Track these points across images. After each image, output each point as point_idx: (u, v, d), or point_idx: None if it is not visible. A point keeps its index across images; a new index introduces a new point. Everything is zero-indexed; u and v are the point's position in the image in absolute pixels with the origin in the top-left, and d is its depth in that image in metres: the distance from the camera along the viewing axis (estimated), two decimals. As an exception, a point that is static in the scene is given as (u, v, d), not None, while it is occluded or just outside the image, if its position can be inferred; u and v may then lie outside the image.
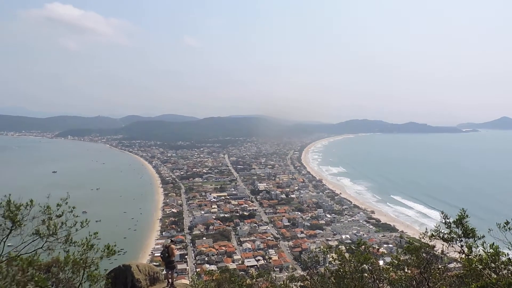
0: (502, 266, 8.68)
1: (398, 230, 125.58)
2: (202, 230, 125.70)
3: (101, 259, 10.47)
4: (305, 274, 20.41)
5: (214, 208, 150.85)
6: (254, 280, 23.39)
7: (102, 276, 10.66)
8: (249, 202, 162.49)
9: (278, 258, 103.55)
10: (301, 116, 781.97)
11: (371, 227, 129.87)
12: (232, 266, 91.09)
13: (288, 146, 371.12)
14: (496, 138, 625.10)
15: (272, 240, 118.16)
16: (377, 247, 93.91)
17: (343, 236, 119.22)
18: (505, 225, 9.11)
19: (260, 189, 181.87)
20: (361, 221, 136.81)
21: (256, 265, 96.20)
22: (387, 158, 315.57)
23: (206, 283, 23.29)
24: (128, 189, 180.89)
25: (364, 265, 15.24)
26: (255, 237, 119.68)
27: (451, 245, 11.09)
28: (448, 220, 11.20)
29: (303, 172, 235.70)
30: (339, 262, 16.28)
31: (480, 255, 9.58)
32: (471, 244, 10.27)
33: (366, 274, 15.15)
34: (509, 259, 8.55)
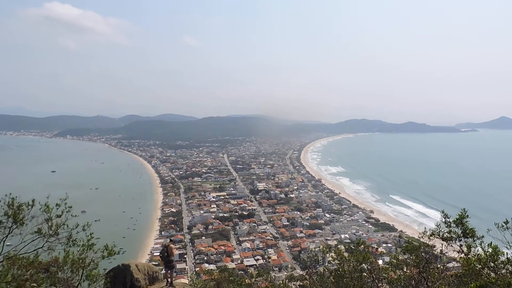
0: (501, 265, 8.70)
1: (397, 229, 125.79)
2: (201, 229, 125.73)
3: (103, 258, 10.47)
4: (304, 274, 20.42)
5: (213, 207, 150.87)
6: (253, 279, 23.40)
7: (101, 275, 10.65)
8: (248, 201, 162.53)
9: (277, 257, 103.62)
10: (301, 116, 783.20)
11: (370, 226, 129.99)
12: (231, 265, 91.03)
13: (287, 146, 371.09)
14: (495, 138, 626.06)
15: (271, 239, 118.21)
16: (376, 246, 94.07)
17: (342, 236, 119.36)
18: (503, 224, 9.12)
19: (259, 188, 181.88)
20: (360, 220, 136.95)
21: (255, 265, 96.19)
22: (386, 158, 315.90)
23: (205, 283, 23.29)
24: (127, 188, 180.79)
25: (363, 265, 15.25)
26: (254, 236, 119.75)
27: (450, 244, 11.10)
28: (448, 220, 11.21)
29: (302, 171, 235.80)
30: (338, 262, 16.29)
31: (479, 254, 9.60)
32: (470, 244, 10.28)
33: (365, 274, 15.17)
34: (508, 258, 8.57)
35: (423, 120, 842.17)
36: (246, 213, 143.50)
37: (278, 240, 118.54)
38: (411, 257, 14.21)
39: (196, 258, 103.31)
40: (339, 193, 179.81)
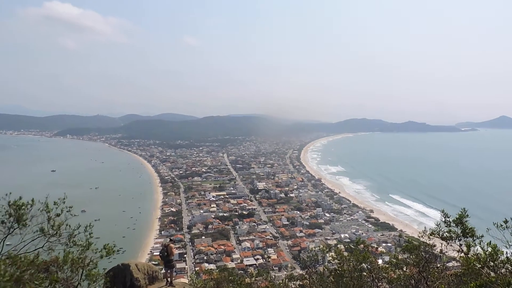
0: (501, 265, 8.70)
1: (397, 229, 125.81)
2: (201, 229, 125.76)
3: (101, 258, 10.47)
4: (304, 273, 20.43)
5: (213, 207, 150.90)
6: (253, 279, 23.41)
7: (101, 275, 10.66)
8: (248, 201, 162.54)
9: (277, 257, 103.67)
10: (301, 115, 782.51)
11: (370, 226, 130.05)
12: (231, 265, 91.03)
13: (287, 145, 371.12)
14: (495, 137, 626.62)
15: (271, 239, 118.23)
16: (376, 246, 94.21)
17: (342, 235, 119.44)
18: (503, 224, 9.12)
19: (259, 188, 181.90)
20: (360, 220, 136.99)
21: (255, 264, 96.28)
22: (386, 157, 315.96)
23: (205, 282, 23.31)
24: (127, 188, 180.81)
25: (363, 264, 15.27)
26: (254, 236, 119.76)
27: (450, 244, 11.10)
28: (448, 219, 11.21)
29: (302, 171, 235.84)
30: (338, 261, 16.31)
31: (478, 254, 9.60)
32: (469, 243, 10.28)
33: (365, 273, 15.18)
34: (507, 257, 8.57)
35: (423, 120, 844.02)
36: (246, 213, 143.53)
37: (278, 240, 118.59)
38: (411, 257, 14.22)
39: (196, 257, 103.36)
40: (339, 192, 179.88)
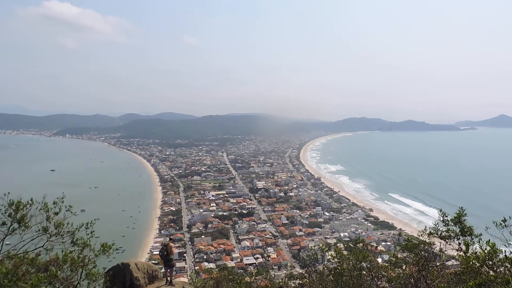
0: (500, 263, 8.72)
1: (397, 228, 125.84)
2: (200, 228, 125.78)
3: (96, 256, 10.47)
4: (303, 272, 20.45)
5: (212, 206, 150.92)
6: (253, 278, 23.43)
7: (101, 274, 10.67)
8: (248, 200, 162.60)
9: (277, 256, 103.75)
10: (300, 114, 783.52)
11: (370, 225, 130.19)
12: (230, 264, 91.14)
13: (286, 144, 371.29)
14: (494, 136, 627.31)
15: (271, 238, 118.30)
16: (375, 244, 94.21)
17: (342, 234, 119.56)
18: (502, 222, 9.15)
19: (258, 187, 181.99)
20: (359, 219, 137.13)
21: (255, 263, 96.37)
22: (385, 156, 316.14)
23: (205, 281, 23.34)
24: (127, 187, 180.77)
25: (363, 263, 15.29)
26: (254, 235, 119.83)
27: (449, 243, 11.13)
28: (446, 218, 11.23)
29: (301, 170, 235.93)
30: (338, 260, 16.32)
31: (477, 252, 9.62)
32: (468, 242, 10.31)
33: (364, 272, 15.20)
34: (506, 256, 8.59)
35: (423, 119, 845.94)
36: (246, 212, 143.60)
37: (278, 239, 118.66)
38: (410, 255, 14.24)
39: (195, 256, 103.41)
40: (339, 191, 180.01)
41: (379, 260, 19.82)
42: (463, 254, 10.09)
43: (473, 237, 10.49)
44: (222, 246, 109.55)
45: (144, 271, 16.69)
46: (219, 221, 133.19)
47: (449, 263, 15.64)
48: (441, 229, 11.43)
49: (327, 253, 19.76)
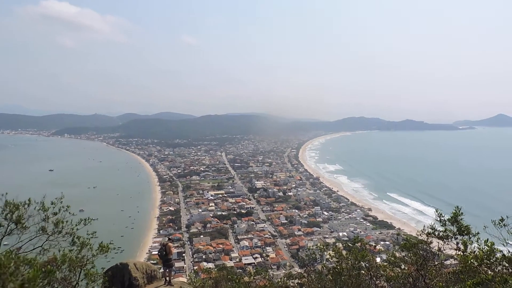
0: (496, 262, 8.75)
1: (395, 227, 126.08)
2: (199, 228, 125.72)
3: (93, 256, 10.46)
4: (302, 272, 20.47)
5: (211, 206, 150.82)
6: (252, 277, 23.43)
7: (99, 274, 10.66)
8: (247, 200, 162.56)
9: (276, 255, 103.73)
10: (299, 114, 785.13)
11: (368, 224, 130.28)
12: (229, 264, 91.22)
13: (285, 144, 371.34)
14: (493, 135, 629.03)
15: (270, 237, 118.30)
16: (374, 244, 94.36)
17: (340, 234, 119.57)
18: (500, 222, 9.17)
19: (257, 187, 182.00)
20: (358, 218, 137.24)
21: (254, 263, 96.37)
22: (384, 156, 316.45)
23: (204, 281, 23.33)
24: (125, 187, 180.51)
25: (361, 263, 15.30)
26: (253, 235, 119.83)
27: (447, 242, 11.15)
28: (443, 218, 11.25)
29: (300, 169, 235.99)
30: (336, 260, 16.33)
31: (475, 251, 9.65)
32: (466, 241, 10.33)
33: (363, 271, 15.22)
34: (503, 255, 8.62)
35: (421, 118, 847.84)
36: (244, 212, 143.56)
37: (277, 238, 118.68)
38: (409, 255, 14.25)
39: (194, 256, 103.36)
40: (337, 191, 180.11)
41: (378, 259, 19.87)
42: (462, 254, 10.12)
43: (470, 236, 10.51)
44: (221, 246, 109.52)
45: (143, 271, 16.68)
46: (218, 221, 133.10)
47: (448, 262, 15.67)
48: (439, 229, 11.45)
49: (325, 253, 19.78)
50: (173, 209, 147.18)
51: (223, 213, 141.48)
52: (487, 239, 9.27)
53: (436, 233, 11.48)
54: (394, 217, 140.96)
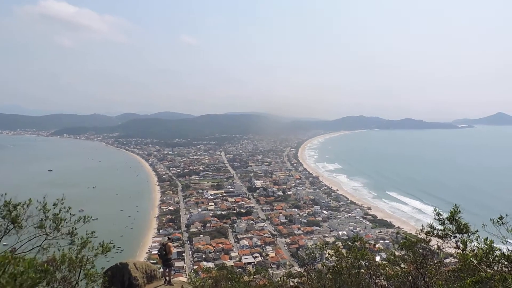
0: (496, 260, 8.77)
1: (395, 226, 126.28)
2: (199, 227, 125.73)
3: (95, 256, 10.45)
4: (302, 271, 20.49)
5: (211, 205, 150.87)
6: (252, 277, 23.46)
7: (99, 274, 10.65)
8: (246, 199, 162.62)
9: (275, 255, 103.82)
10: (298, 113, 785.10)
11: (368, 223, 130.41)
12: (229, 263, 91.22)
13: (284, 143, 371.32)
14: (492, 134, 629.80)
15: (269, 237, 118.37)
16: (373, 243, 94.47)
17: (340, 233, 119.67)
18: (498, 220, 9.18)
19: (257, 186, 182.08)
20: (357, 217, 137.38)
21: (253, 262, 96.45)
22: (383, 155, 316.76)
23: (204, 280, 23.34)
24: (125, 187, 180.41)
25: (361, 261, 15.32)
26: (252, 234, 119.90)
27: (446, 241, 11.16)
28: (441, 217, 11.26)
29: (299, 169, 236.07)
30: (336, 259, 16.35)
31: (475, 250, 9.66)
32: (465, 240, 10.35)
33: (362, 270, 15.24)
34: (503, 253, 8.64)
35: (420, 117, 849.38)
36: (244, 211, 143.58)
37: (276, 238, 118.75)
38: (408, 253, 14.27)
39: (194, 256, 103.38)
40: (337, 190, 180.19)
41: (377, 258, 19.88)
42: (461, 252, 10.13)
43: (469, 234, 10.53)
44: (220, 245, 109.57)
45: (142, 270, 16.68)
46: (218, 220, 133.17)
47: (447, 260, 15.69)
48: (438, 227, 11.46)
49: (325, 252, 19.80)
50: (172, 208, 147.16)
51: (223, 213, 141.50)
52: (487, 238, 9.29)
53: (435, 232, 11.48)
54: (393, 216, 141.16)
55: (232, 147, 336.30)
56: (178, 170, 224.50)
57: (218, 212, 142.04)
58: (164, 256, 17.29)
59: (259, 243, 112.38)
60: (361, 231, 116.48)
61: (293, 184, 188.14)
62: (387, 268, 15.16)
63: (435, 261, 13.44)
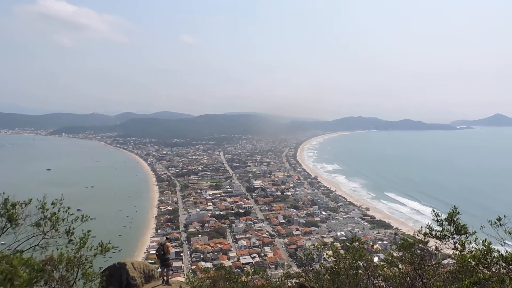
0: (494, 262, 8.78)
1: (393, 227, 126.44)
2: (197, 227, 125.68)
3: (94, 256, 10.43)
4: (300, 271, 20.49)
5: (209, 205, 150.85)
6: (250, 277, 23.44)
7: (97, 274, 10.63)
8: (245, 199, 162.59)
9: (274, 255, 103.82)
10: (297, 113, 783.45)
11: (366, 224, 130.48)
12: (227, 263, 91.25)
13: (283, 144, 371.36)
14: (490, 135, 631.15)
15: (268, 237, 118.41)
16: (371, 243, 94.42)
17: (338, 233, 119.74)
18: (497, 221, 9.19)
19: (255, 186, 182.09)
20: (356, 218, 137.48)
21: (252, 262, 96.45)
22: (382, 155, 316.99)
23: (202, 281, 23.29)
24: (123, 187, 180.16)
25: (359, 262, 15.33)
26: (251, 234, 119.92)
27: (444, 242, 11.16)
28: (439, 218, 11.27)
29: (298, 169, 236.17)
30: (334, 259, 16.35)
31: (473, 251, 9.67)
32: (463, 241, 10.36)
33: (360, 271, 15.25)
34: (501, 255, 8.65)
35: (419, 118, 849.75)
36: (242, 211, 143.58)
37: (274, 238, 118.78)
38: (406, 254, 14.28)
39: (192, 256, 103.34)
40: (335, 190, 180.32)
41: (376, 259, 19.91)
42: (459, 253, 10.14)
43: (467, 235, 10.54)
44: (219, 245, 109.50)
45: (140, 270, 16.65)
46: (216, 220, 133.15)
47: (445, 262, 15.71)
48: (436, 228, 11.47)
49: (323, 252, 19.80)
50: (171, 208, 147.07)
51: (221, 213, 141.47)
52: (485, 239, 9.30)
53: (433, 233, 11.49)
54: (391, 217, 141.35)
55: (231, 147, 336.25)
56: (177, 170, 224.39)
57: (217, 212, 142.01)
58: (162, 256, 17.27)
59: (257, 244, 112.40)
60: (359, 232, 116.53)
61: (292, 185, 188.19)
62: (385, 269, 15.17)
63: (433, 262, 13.45)
